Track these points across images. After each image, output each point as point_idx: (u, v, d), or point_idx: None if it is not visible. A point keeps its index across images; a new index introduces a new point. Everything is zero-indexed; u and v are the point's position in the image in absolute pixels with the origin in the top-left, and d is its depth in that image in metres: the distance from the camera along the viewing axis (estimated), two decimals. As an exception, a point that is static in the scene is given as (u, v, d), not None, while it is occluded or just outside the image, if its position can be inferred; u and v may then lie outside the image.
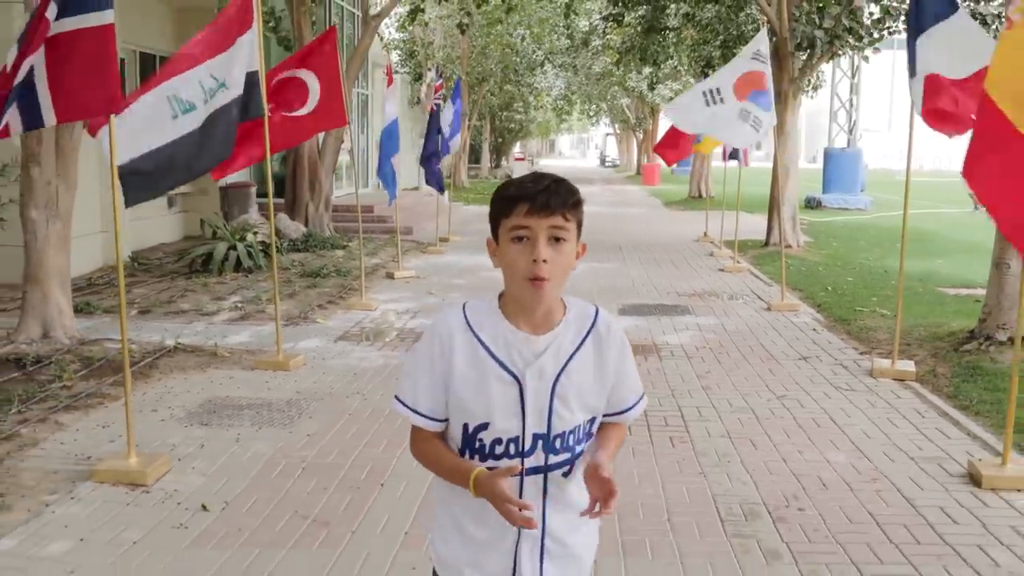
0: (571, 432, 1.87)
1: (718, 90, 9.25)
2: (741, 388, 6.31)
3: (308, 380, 6.46)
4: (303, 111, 8.21)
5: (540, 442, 1.84)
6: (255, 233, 12.10)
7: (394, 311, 9.21)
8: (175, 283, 10.74)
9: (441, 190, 13.46)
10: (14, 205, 10.02)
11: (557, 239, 1.80)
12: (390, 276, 11.47)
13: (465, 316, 1.89)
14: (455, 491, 1.89)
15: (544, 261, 1.77)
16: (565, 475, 1.88)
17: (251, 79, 6.33)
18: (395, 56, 28.61)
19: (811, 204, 23.89)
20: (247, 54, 6.20)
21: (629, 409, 1.97)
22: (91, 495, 4.35)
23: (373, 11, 16.19)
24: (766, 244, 14.35)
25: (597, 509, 1.80)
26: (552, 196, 1.79)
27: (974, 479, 4.53)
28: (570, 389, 1.85)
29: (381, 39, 23.55)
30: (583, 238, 1.87)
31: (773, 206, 14.15)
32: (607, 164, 67.59)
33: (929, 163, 48.21)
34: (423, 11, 17.05)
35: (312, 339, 7.80)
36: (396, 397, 1.94)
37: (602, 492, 1.79)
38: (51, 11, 4.11)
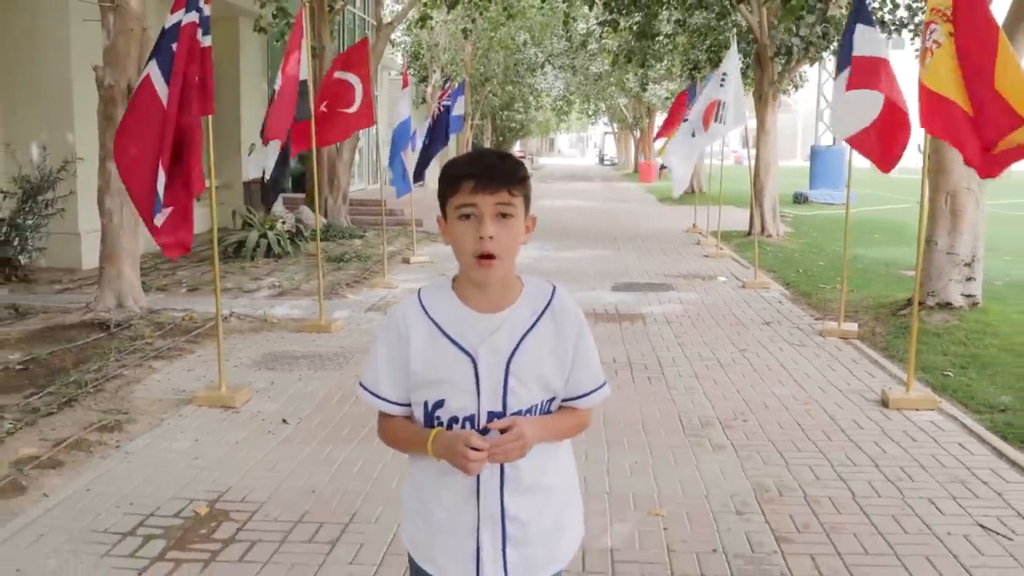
0: (527, 411, 1.87)
1: (695, 128, 10.63)
2: (710, 344, 7.55)
3: (348, 339, 7.70)
4: (351, 110, 9.46)
5: (495, 420, 1.84)
6: (283, 222, 13.35)
7: (411, 287, 10.44)
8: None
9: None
10: (74, 196, 11.30)
11: (504, 215, 1.81)
12: (406, 261, 12.71)
13: (420, 301, 1.92)
14: (418, 472, 1.95)
15: (491, 238, 1.79)
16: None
17: (302, 87, 7.63)
18: (399, 58, 29.84)
19: (798, 199, 25.13)
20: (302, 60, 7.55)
21: (585, 395, 1.95)
22: (194, 413, 5.59)
23: (385, 20, 17.43)
24: (748, 234, 15.56)
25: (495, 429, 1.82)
26: (496, 172, 1.80)
27: (884, 402, 5.77)
28: (526, 366, 1.85)
29: (392, 45, 24.78)
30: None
31: (756, 199, 15.37)
32: (606, 162, 68.84)
33: (914, 161, 49.38)
34: (431, 18, 18.29)
35: (345, 310, 9.03)
36: (360, 384, 1.98)
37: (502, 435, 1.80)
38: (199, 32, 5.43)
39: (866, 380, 6.40)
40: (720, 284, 10.83)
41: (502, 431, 1.79)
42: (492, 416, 1.84)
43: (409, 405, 1.93)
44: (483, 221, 1.79)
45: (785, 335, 7.91)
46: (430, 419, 1.88)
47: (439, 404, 1.87)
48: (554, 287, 1.94)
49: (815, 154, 26.24)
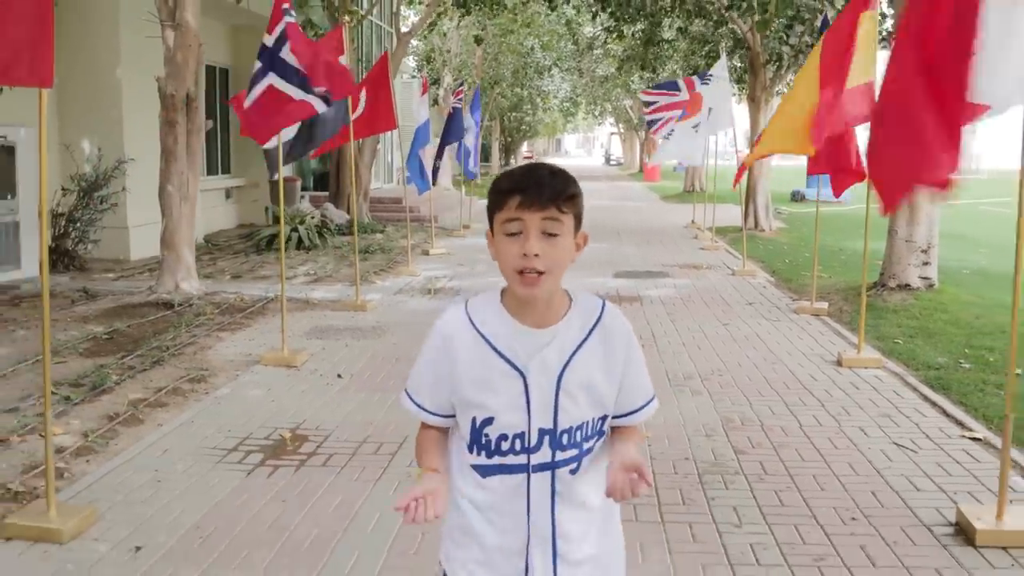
0: (579, 428, 1.84)
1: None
2: (698, 320, 8.67)
3: (383, 316, 8.83)
4: (353, 117, 10.55)
5: (546, 438, 1.81)
6: (313, 217, 14.51)
7: (434, 275, 11.60)
8: (249, 258, 13.13)
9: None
10: (124, 193, 12.44)
11: (551, 233, 1.76)
12: (425, 253, 13.86)
13: (467, 313, 1.88)
14: (464, 488, 1.91)
15: (535, 255, 1.74)
16: (573, 472, 1.84)
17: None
18: (412, 61, 31.01)
19: (796, 197, 26.21)
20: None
21: (637, 411, 1.92)
22: (263, 371, 6.73)
23: (403, 29, 18.59)
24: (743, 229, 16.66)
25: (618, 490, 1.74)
26: (545, 189, 1.76)
27: (838, 362, 6.89)
28: (576, 383, 1.83)
29: (409, 54, 25.97)
30: (584, 228, 1.85)
31: (749, 196, 16.49)
32: (611, 162, 69.92)
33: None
34: (438, 23, 19.53)
35: (375, 293, 10.17)
36: (406, 391, 1.96)
37: (626, 476, 1.74)
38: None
39: (827, 346, 7.52)
40: (711, 272, 11.95)
41: (625, 469, 1.76)
42: (543, 433, 1.81)
43: (450, 416, 1.92)
44: (528, 238, 1.75)
45: (764, 313, 9.03)
46: (478, 436, 1.86)
47: (488, 421, 1.83)
48: (604, 302, 1.92)
49: (812, 154, 27.26)
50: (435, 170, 14.86)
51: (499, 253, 1.80)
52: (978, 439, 5.16)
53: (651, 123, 14.88)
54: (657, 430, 5.32)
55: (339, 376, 6.60)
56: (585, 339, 1.85)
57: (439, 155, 14.71)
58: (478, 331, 1.84)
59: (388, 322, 8.53)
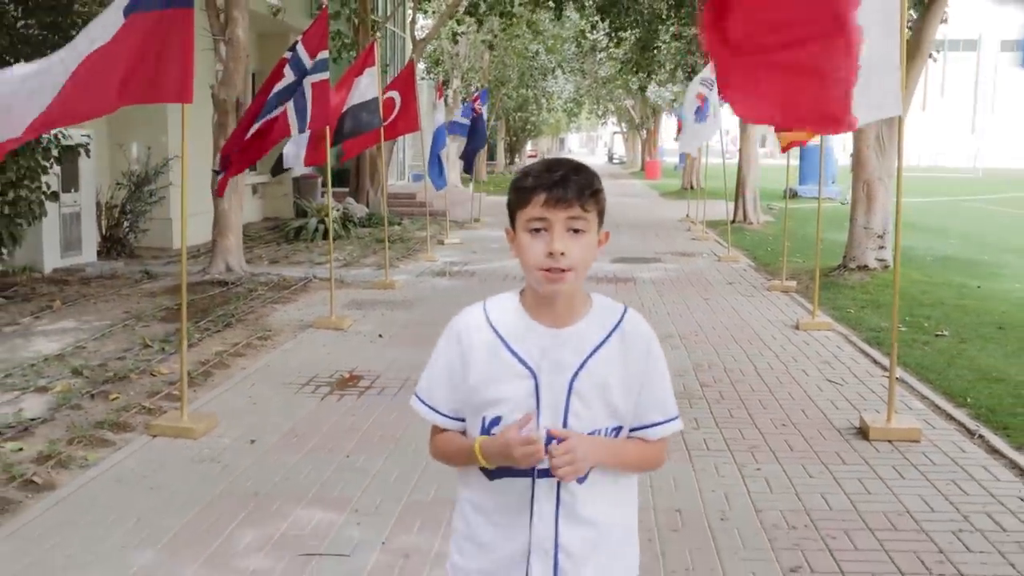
0: (590, 435, 1.77)
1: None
2: (683, 296, 10.02)
3: (409, 293, 10.19)
4: (388, 121, 11.93)
5: (554, 442, 1.70)
6: (337, 210, 15.88)
7: (450, 261, 12.96)
8: (281, 247, 14.49)
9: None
10: (172, 187, 13.79)
11: (576, 230, 1.74)
12: (441, 242, 15.22)
13: (485, 312, 1.85)
14: (468, 493, 1.88)
15: (561, 253, 1.71)
16: (580, 481, 1.76)
17: (374, 102, 10.13)
18: (420, 64, 32.38)
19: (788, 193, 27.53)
20: (370, 83, 10.02)
21: (650, 426, 1.84)
22: (316, 332, 8.08)
23: (418, 36, 19.97)
24: (733, 221, 17.99)
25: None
26: (569, 186, 1.73)
27: (796, 326, 8.24)
28: (590, 387, 1.76)
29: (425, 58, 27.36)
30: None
31: (738, 191, 17.84)
32: (614, 161, 71.34)
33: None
34: (460, 34, 20.93)
35: (400, 275, 11.51)
36: (416, 395, 1.92)
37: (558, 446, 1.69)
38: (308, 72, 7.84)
39: (789, 315, 8.88)
40: (699, 259, 13.31)
41: (560, 441, 1.70)
42: (551, 437, 1.73)
43: (463, 420, 1.87)
44: (554, 236, 1.72)
45: (741, 290, 10.39)
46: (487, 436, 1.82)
47: (496, 421, 1.79)
48: (625, 307, 1.88)
49: (804, 152, 28.58)
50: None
51: (522, 251, 1.78)
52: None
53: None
54: (641, 371, 6.66)
55: (380, 336, 7.95)
56: (604, 341, 1.80)
57: (471, 157, 16.24)
58: (493, 328, 1.82)
59: (414, 297, 9.88)
